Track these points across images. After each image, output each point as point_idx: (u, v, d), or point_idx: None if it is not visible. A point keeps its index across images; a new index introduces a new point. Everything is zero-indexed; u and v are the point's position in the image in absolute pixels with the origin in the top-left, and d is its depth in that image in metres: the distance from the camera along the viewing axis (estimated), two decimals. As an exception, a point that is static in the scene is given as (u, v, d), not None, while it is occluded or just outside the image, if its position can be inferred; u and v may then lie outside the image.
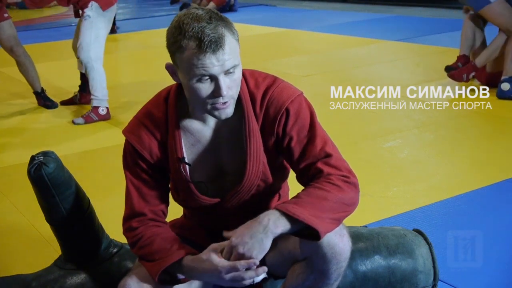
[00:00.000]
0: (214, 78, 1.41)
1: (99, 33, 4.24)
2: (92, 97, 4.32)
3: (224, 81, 1.42)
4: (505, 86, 4.35)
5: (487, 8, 4.37)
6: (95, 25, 4.20)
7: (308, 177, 1.51)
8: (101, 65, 4.31)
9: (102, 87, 4.31)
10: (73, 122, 4.28)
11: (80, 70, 4.66)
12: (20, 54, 4.55)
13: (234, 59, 1.42)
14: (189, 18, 1.40)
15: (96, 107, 4.30)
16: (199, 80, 1.41)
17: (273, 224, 1.39)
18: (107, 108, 4.33)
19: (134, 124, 1.59)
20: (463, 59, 4.60)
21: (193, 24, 1.38)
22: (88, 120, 4.27)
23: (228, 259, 1.41)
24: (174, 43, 1.42)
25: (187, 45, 1.39)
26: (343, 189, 1.45)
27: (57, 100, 4.76)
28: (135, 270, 1.56)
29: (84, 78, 4.71)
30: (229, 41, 1.41)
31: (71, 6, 4.43)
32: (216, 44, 1.38)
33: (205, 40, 1.37)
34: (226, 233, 1.45)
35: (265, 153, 1.56)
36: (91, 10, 4.18)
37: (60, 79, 5.56)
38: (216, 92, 1.42)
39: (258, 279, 1.44)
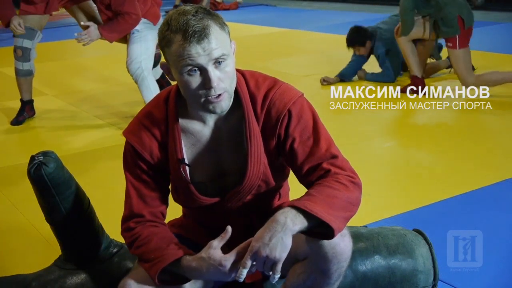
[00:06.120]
0: (203, 70, 1.41)
1: (148, 45, 4.08)
2: None
3: (214, 72, 1.41)
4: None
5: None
6: (144, 37, 4.05)
7: (313, 177, 1.50)
8: (152, 75, 4.15)
9: None
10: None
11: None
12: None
13: (223, 49, 1.42)
14: (176, 14, 1.42)
15: None
16: (189, 73, 1.42)
17: (291, 221, 1.37)
18: None
19: (134, 125, 1.59)
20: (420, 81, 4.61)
21: (179, 18, 1.40)
22: None
23: (250, 266, 1.37)
24: (163, 39, 1.43)
25: (174, 38, 1.40)
26: (350, 189, 1.46)
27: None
28: (135, 270, 1.56)
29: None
30: (216, 31, 1.41)
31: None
32: (201, 34, 1.38)
33: (189, 30, 1.38)
34: (239, 247, 1.41)
35: (265, 154, 1.56)
36: (139, 25, 4.02)
37: (68, 78, 5.57)
38: (207, 84, 1.42)
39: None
